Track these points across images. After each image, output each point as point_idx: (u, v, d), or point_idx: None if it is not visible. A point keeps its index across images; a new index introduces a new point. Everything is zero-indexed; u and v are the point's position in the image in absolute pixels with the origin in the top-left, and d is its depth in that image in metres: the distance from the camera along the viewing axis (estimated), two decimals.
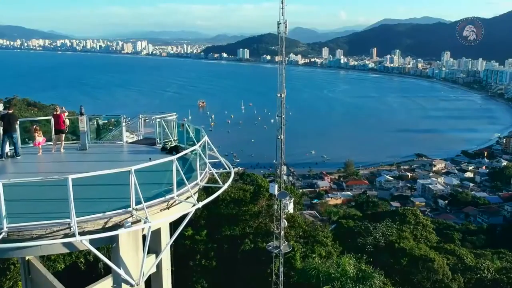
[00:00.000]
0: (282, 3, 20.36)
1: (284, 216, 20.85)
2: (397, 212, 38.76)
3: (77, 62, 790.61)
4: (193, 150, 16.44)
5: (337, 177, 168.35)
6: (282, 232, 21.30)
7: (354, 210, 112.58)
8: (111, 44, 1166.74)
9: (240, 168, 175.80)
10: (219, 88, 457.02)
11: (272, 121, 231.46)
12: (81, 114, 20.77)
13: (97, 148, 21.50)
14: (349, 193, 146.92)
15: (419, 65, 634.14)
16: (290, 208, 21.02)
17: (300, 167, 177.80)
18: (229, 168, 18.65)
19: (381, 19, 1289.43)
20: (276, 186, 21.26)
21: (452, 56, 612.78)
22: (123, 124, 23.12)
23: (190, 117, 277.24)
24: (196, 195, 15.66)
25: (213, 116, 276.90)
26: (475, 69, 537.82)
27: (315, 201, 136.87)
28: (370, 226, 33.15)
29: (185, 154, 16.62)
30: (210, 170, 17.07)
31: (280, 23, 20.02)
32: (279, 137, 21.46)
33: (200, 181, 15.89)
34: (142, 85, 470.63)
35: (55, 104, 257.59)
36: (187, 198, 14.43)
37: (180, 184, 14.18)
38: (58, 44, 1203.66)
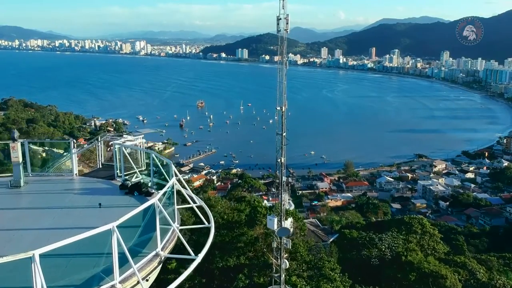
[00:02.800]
0: None
1: (285, 255, 17.70)
2: (403, 221, 36.83)
3: (76, 62, 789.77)
4: (162, 194, 12.02)
5: (336, 178, 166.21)
6: (283, 276, 17.83)
7: (354, 212, 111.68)
8: (109, 44, 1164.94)
9: (239, 169, 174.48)
10: (218, 88, 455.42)
11: (270, 121, 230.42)
12: (14, 139, 16.02)
13: (36, 184, 16.27)
14: (349, 194, 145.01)
15: (418, 65, 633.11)
16: (290, 227, 17.75)
17: (300, 168, 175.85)
18: (208, 221, 14.20)
19: (380, 19, 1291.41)
20: (276, 220, 17.18)
21: (451, 56, 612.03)
22: (74, 151, 18.02)
23: (188, 118, 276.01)
24: (155, 273, 11.12)
25: (211, 116, 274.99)
26: (474, 68, 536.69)
27: (314, 202, 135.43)
28: (375, 238, 31.23)
29: (147, 195, 13.20)
30: (178, 231, 12.43)
31: (280, 19, 17.09)
32: (279, 160, 17.64)
33: (163, 249, 11.34)
34: (140, 85, 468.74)
35: (53, 105, 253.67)
36: (136, 284, 9.80)
37: (133, 256, 9.85)
38: (57, 44, 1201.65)
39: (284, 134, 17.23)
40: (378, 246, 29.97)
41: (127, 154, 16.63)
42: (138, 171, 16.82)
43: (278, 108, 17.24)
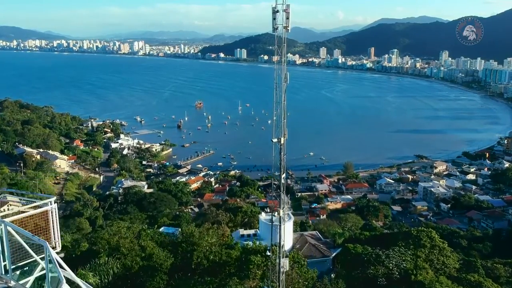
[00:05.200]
0: None
1: None
2: (410, 234, 34.60)
3: (74, 62, 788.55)
4: None
5: (336, 180, 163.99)
6: None
7: (354, 215, 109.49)
8: (108, 44, 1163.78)
9: (238, 171, 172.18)
10: (217, 88, 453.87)
11: (269, 122, 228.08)
12: None
13: None
14: (349, 196, 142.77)
15: (418, 65, 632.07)
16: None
17: (299, 169, 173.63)
18: None
19: (378, 19, 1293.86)
20: None
21: (450, 56, 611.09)
22: None
23: (186, 118, 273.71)
24: None
25: (209, 117, 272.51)
26: (473, 68, 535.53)
27: (314, 205, 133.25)
28: (382, 254, 28.95)
29: None
30: None
31: (277, 11, 13.42)
32: (276, 214, 14.53)
33: None
34: (139, 86, 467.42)
35: (49, 106, 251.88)
36: None
37: None
38: (55, 45, 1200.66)
39: (283, 175, 13.85)
40: (385, 264, 27.75)
41: (17, 236, 9.59)
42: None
43: (275, 140, 13.73)
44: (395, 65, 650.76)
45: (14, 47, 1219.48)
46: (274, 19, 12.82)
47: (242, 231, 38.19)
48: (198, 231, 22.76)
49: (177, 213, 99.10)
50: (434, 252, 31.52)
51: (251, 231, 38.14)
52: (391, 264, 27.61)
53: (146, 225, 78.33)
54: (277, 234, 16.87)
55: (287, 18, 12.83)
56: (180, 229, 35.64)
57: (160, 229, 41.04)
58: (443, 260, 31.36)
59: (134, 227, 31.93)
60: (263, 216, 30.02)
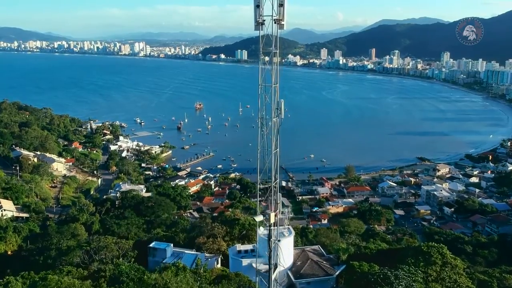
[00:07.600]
0: None
1: None
2: (420, 250, 32.40)
3: (75, 63, 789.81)
4: None
5: (337, 183, 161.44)
6: None
7: (356, 220, 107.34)
8: (108, 45, 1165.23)
9: (238, 174, 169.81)
10: (218, 89, 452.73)
11: (269, 123, 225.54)
12: None
13: None
14: (350, 200, 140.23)
15: (419, 66, 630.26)
16: None
17: (300, 172, 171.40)
18: None
19: (379, 20, 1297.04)
20: None
21: (452, 57, 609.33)
22: None
23: (186, 120, 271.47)
24: None
25: (210, 118, 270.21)
26: (475, 69, 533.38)
27: (315, 209, 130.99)
28: (391, 275, 26.72)
29: None
30: None
31: None
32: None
33: None
34: (140, 86, 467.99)
35: (48, 107, 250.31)
36: None
37: None
38: (56, 46, 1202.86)
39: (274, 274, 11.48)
40: (394, 285, 25.56)
41: None
42: None
43: (259, 218, 10.50)
44: (396, 66, 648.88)
45: (15, 48, 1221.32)
46: (257, 6, 8.00)
47: (239, 246, 36.02)
48: (174, 281, 19.24)
49: (175, 217, 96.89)
50: (445, 270, 29.37)
51: (249, 247, 36.00)
52: (400, 286, 25.45)
53: (141, 230, 76.38)
54: (275, 253, 14.96)
55: (281, 5, 8.22)
56: (172, 244, 33.44)
57: (151, 245, 38.80)
58: (455, 278, 29.20)
59: (122, 243, 29.68)
60: (261, 231, 27.91)
